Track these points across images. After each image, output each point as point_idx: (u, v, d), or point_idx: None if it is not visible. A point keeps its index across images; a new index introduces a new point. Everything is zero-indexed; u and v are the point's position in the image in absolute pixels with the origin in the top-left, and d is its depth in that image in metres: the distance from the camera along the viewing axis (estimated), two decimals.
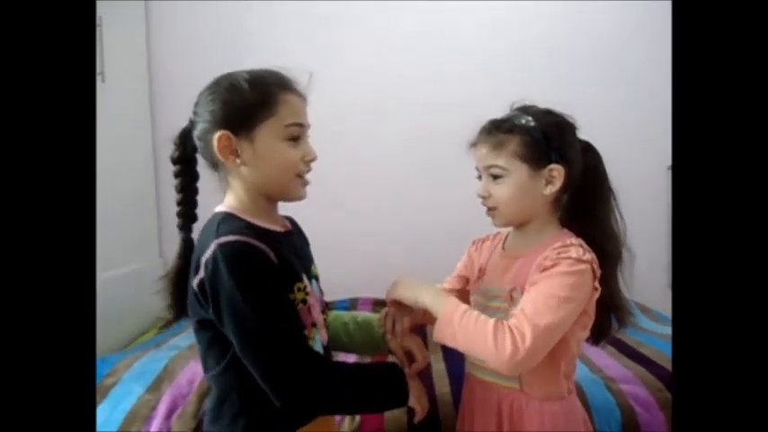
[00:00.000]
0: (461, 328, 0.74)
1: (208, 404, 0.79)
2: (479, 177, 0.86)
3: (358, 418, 1.16)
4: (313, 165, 0.79)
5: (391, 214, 2.15)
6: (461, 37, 2.16)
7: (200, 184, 0.82)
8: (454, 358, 1.41)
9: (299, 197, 0.79)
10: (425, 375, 1.30)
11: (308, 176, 0.79)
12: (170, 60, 2.08)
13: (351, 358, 1.12)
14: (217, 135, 0.72)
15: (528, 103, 0.86)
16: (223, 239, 0.68)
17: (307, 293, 0.76)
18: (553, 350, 0.79)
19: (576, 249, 0.77)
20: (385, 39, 2.16)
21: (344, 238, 1.98)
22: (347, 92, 2.07)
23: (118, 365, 1.37)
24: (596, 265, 0.78)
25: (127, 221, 1.90)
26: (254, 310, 0.67)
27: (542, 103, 0.86)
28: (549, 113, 0.84)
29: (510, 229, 0.91)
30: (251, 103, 0.73)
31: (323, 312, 0.83)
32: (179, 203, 0.80)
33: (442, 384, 1.27)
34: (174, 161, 0.80)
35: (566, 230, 0.85)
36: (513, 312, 0.75)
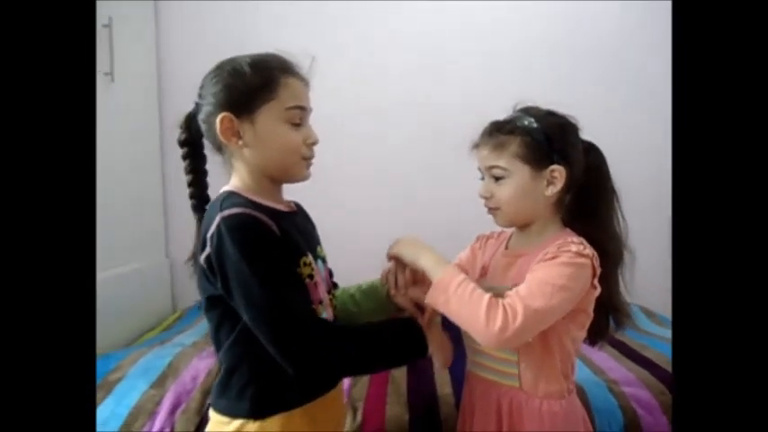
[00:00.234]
0: (456, 295, 0.74)
1: (216, 379, 0.79)
2: (482, 178, 0.87)
3: (359, 417, 1.17)
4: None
5: (392, 213, 2.15)
6: (462, 37, 2.17)
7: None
8: (456, 359, 1.41)
9: (303, 178, 0.80)
10: (427, 376, 1.31)
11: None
12: (179, 61, 2.10)
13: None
14: (219, 117, 0.74)
15: (530, 104, 0.86)
16: (226, 212, 0.69)
17: (313, 269, 0.77)
18: (549, 347, 0.80)
19: (576, 245, 0.77)
20: (387, 38, 2.17)
21: (345, 237, 1.98)
22: (349, 91, 2.08)
23: (123, 361, 1.39)
24: (597, 263, 0.78)
25: (133, 220, 1.92)
26: (260, 278, 0.67)
27: (544, 103, 0.86)
28: (550, 115, 0.85)
29: (514, 228, 0.91)
30: (252, 85, 0.74)
31: (329, 293, 0.83)
32: (189, 185, 0.82)
33: (444, 384, 1.27)
34: (181, 144, 0.81)
35: (568, 230, 0.85)
36: (508, 293, 0.75)
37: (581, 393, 1.12)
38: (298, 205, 0.88)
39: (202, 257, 0.71)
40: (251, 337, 0.70)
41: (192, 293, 0.84)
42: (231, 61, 0.77)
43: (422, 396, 1.23)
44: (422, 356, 0.77)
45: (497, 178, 0.83)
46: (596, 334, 0.88)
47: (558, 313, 0.75)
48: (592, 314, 0.82)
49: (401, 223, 2.13)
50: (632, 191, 0.89)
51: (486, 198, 0.85)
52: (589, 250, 0.77)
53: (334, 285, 0.92)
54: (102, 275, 1.62)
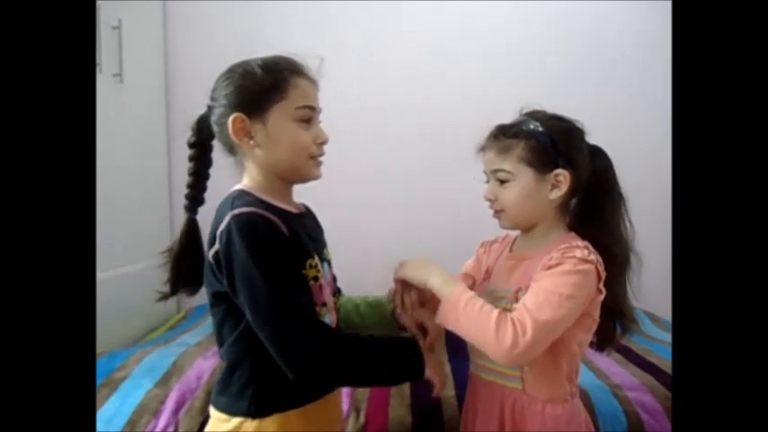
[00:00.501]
0: (465, 313, 0.74)
1: (217, 376, 0.81)
2: (487, 181, 0.87)
3: (362, 418, 1.17)
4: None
5: (394, 212, 2.16)
6: (464, 37, 2.18)
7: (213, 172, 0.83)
8: (459, 361, 1.41)
9: (314, 177, 0.81)
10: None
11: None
12: (187, 62, 2.12)
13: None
14: (231, 117, 0.75)
15: (536, 108, 0.87)
16: (237, 211, 0.70)
17: (318, 271, 0.77)
18: (555, 351, 0.79)
19: (581, 250, 0.77)
20: (390, 38, 2.18)
21: (350, 235, 1.99)
22: (351, 90, 2.09)
23: (128, 360, 1.40)
24: (601, 267, 0.78)
25: (139, 220, 1.93)
26: (266, 278, 0.68)
27: (546, 104, 0.86)
28: (556, 119, 0.85)
29: (518, 232, 0.91)
30: (263, 86, 0.75)
31: (333, 296, 0.84)
32: (189, 186, 0.84)
33: (447, 387, 1.27)
34: (191, 145, 0.83)
35: (572, 234, 0.85)
36: (515, 306, 0.75)
37: (585, 397, 1.12)
38: (307, 207, 0.89)
39: (211, 253, 0.72)
40: (254, 336, 0.71)
41: (196, 294, 0.85)
42: (243, 64, 0.78)
43: (425, 398, 1.23)
44: (417, 379, 0.78)
45: (502, 181, 0.83)
46: (604, 339, 0.88)
47: (566, 323, 0.75)
48: (597, 318, 0.82)
49: (403, 222, 2.15)
50: (636, 195, 0.89)
51: (490, 201, 0.86)
52: (593, 256, 0.77)
53: (338, 291, 0.93)
54: (107, 275, 1.64)
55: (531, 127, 0.82)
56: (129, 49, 1.79)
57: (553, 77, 2.12)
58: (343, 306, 0.92)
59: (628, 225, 0.86)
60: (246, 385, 0.75)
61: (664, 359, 1.45)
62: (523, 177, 0.82)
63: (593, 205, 0.86)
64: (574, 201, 0.87)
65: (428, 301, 0.86)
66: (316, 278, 0.76)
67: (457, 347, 1.56)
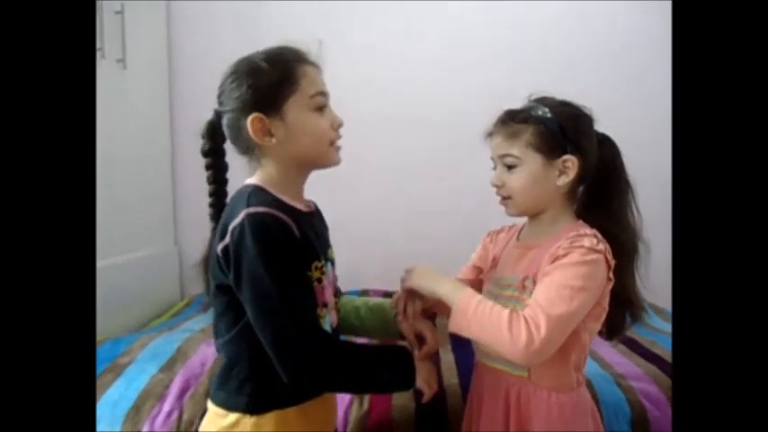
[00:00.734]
0: (476, 317, 0.74)
1: (216, 371, 0.81)
2: (494, 168, 0.86)
3: (366, 405, 1.17)
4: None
5: (402, 205, 2.15)
6: (468, 30, 2.16)
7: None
8: (463, 349, 1.41)
9: (335, 163, 0.81)
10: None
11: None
12: (190, 48, 2.10)
13: (361, 342, 1.12)
14: (250, 119, 0.74)
15: (546, 94, 0.86)
16: (252, 209, 0.70)
17: (323, 273, 0.77)
18: (564, 341, 0.78)
19: (589, 239, 0.76)
20: (395, 32, 2.16)
21: (354, 228, 1.99)
22: (358, 84, 2.08)
23: (132, 345, 1.40)
24: (610, 255, 0.77)
25: (143, 208, 1.93)
26: (273, 280, 0.68)
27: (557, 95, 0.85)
28: (565, 105, 0.84)
29: (525, 221, 0.91)
30: (275, 81, 0.74)
31: (335, 296, 0.84)
32: (210, 194, 0.83)
33: (451, 375, 1.27)
34: (205, 153, 0.82)
35: (580, 222, 0.84)
36: (527, 302, 0.75)
37: (589, 387, 1.11)
38: (315, 206, 0.88)
39: (220, 246, 0.72)
40: (253, 332, 0.71)
41: (200, 281, 0.85)
42: (246, 61, 0.76)
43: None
44: (408, 389, 0.79)
45: (510, 167, 0.83)
46: (613, 329, 0.88)
47: (580, 315, 0.75)
48: (607, 307, 0.81)
49: (412, 214, 2.14)
50: (637, 188, 0.88)
51: (497, 187, 0.85)
52: (602, 244, 0.77)
53: (338, 291, 0.92)
54: (111, 262, 1.64)
55: (540, 113, 0.81)
56: (132, 34, 1.77)
57: (556, 70, 2.10)
58: (344, 307, 0.91)
59: (635, 213, 0.85)
60: (245, 381, 0.75)
61: (667, 350, 1.44)
62: (531, 163, 0.81)
63: (601, 193, 0.85)
64: (581, 188, 0.87)
65: (434, 306, 0.87)
66: (319, 279, 0.76)
67: (460, 337, 1.56)
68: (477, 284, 0.93)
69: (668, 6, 0.73)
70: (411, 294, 0.86)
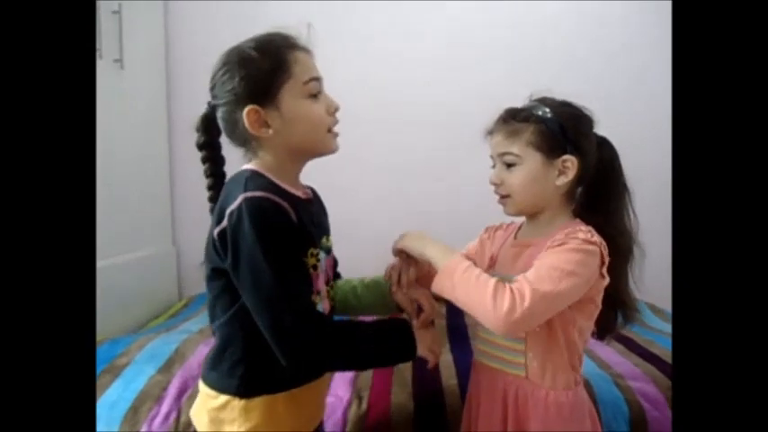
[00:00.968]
0: (462, 280, 0.74)
1: (209, 352, 0.81)
2: (493, 166, 0.86)
3: (364, 405, 1.17)
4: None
5: (400, 204, 2.15)
6: (466, 30, 2.16)
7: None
8: (462, 350, 1.42)
9: (333, 150, 0.80)
10: (434, 370, 1.30)
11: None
12: (188, 48, 2.10)
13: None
14: (245, 112, 0.73)
15: (548, 94, 0.86)
16: (250, 194, 0.69)
17: (318, 260, 0.77)
18: (555, 337, 0.79)
19: (584, 233, 0.77)
20: (393, 31, 2.16)
21: (353, 227, 1.99)
22: (358, 81, 2.08)
23: (131, 346, 1.40)
24: (605, 251, 0.77)
25: (141, 208, 1.92)
26: (270, 265, 0.68)
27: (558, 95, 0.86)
28: (566, 105, 0.84)
29: (523, 219, 0.91)
30: (267, 70, 0.73)
31: (327, 284, 0.84)
32: (209, 188, 0.83)
33: (450, 375, 1.27)
34: (200, 147, 0.81)
35: (577, 220, 0.84)
36: (515, 279, 0.75)
37: (587, 386, 1.12)
38: (314, 191, 0.88)
39: (217, 230, 0.71)
40: (248, 316, 0.71)
41: (198, 281, 0.84)
42: (235, 51, 0.75)
43: (426, 386, 1.23)
44: (410, 359, 0.78)
45: (509, 165, 0.83)
46: (604, 328, 0.88)
47: (566, 299, 0.74)
48: (600, 305, 0.81)
49: (403, 213, 2.14)
50: (637, 187, 0.88)
51: (496, 185, 0.85)
52: (597, 238, 0.77)
53: (338, 275, 0.92)
54: (109, 262, 1.64)
55: (541, 112, 0.82)
56: (129, 34, 1.77)
57: (554, 70, 2.10)
58: (341, 289, 0.91)
59: (632, 217, 0.86)
60: (237, 364, 0.75)
61: (665, 350, 1.45)
62: (531, 162, 0.81)
63: (598, 196, 0.85)
64: (580, 189, 0.87)
65: (426, 276, 0.86)
66: (315, 267, 0.76)
67: (459, 335, 1.57)
68: None
69: (667, 6, 0.74)
70: (404, 263, 0.86)
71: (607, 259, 0.77)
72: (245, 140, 0.77)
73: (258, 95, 0.73)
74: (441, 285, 0.76)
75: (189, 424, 1.12)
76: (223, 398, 0.75)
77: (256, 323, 0.70)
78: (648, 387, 1.23)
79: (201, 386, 0.80)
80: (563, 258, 0.74)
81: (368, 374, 1.28)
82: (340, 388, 1.22)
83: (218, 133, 0.80)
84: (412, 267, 0.86)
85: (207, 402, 0.78)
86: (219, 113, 0.77)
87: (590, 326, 0.84)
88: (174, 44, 2.13)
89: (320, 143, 0.78)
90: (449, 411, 1.16)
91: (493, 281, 0.72)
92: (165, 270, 2.10)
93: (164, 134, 2.12)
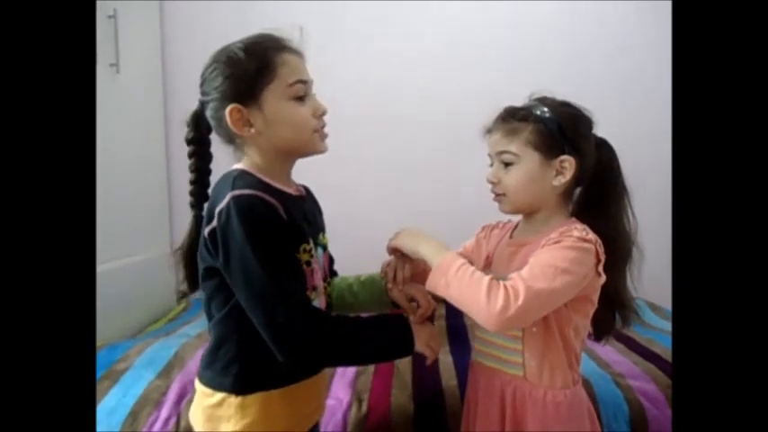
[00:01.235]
0: (456, 278, 0.74)
1: (204, 350, 0.81)
2: (491, 164, 0.86)
3: (365, 407, 1.17)
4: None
5: (400, 203, 2.15)
6: (465, 29, 2.16)
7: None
8: (461, 351, 1.42)
9: (320, 151, 0.80)
10: (431, 369, 1.30)
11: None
12: (184, 52, 2.10)
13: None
14: (228, 110, 0.74)
15: (547, 94, 0.86)
16: (238, 192, 0.69)
17: (311, 256, 0.77)
18: (552, 336, 0.79)
19: (579, 231, 0.77)
20: (393, 29, 2.16)
21: (352, 227, 1.98)
22: (356, 80, 2.08)
23: (129, 351, 1.40)
24: (601, 249, 0.77)
25: (138, 212, 1.92)
26: (261, 262, 0.68)
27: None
28: (565, 105, 0.84)
29: (519, 219, 0.91)
30: (251, 70, 0.74)
31: (324, 281, 0.84)
32: (192, 182, 0.83)
33: (449, 377, 1.27)
34: (189, 142, 0.82)
35: (573, 219, 0.84)
36: (510, 277, 0.75)
37: (586, 386, 1.12)
38: (307, 189, 0.88)
39: (207, 230, 0.72)
40: (242, 314, 0.71)
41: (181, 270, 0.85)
42: (224, 50, 0.76)
43: (426, 387, 1.23)
44: (407, 354, 0.78)
45: (506, 164, 0.83)
46: (602, 330, 0.88)
47: (560, 296, 0.74)
48: (596, 303, 0.82)
49: (402, 212, 2.14)
50: (637, 185, 0.88)
51: (493, 183, 0.85)
52: (592, 236, 0.77)
53: (334, 273, 0.92)
54: (107, 267, 1.63)
55: (540, 112, 0.82)
56: (125, 38, 1.77)
57: (553, 69, 2.11)
58: (337, 286, 0.91)
59: (631, 218, 0.86)
60: (232, 362, 0.75)
61: (665, 348, 1.45)
62: (529, 161, 0.81)
63: (597, 197, 0.85)
64: (577, 190, 0.87)
65: (421, 273, 0.86)
66: (308, 263, 0.76)
67: (459, 337, 1.56)
68: None
69: (666, 6, 0.74)
70: (399, 260, 0.86)
71: (603, 257, 0.77)
72: (231, 138, 0.78)
73: (241, 95, 0.74)
74: (435, 283, 0.76)
75: (189, 429, 1.11)
76: (219, 395, 0.75)
77: (250, 321, 0.70)
78: (648, 386, 1.23)
79: (197, 385, 0.80)
80: (558, 256, 0.74)
81: (368, 376, 1.28)
82: (340, 390, 1.22)
83: (209, 130, 0.81)
84: (407, 264, 0.86)
85: (203, 401, 0.78)
86: (208, 110, 0.78)
87: (587, 324, 0.84)
88: (169, 48, 2.13)
89: (305, 144, 0.78)
90: (449, 413, 1.16)
91: (487, 278, 0.72)
92: (163, 274, 2.08)
93: (160, 138, 2.11)
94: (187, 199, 0.84)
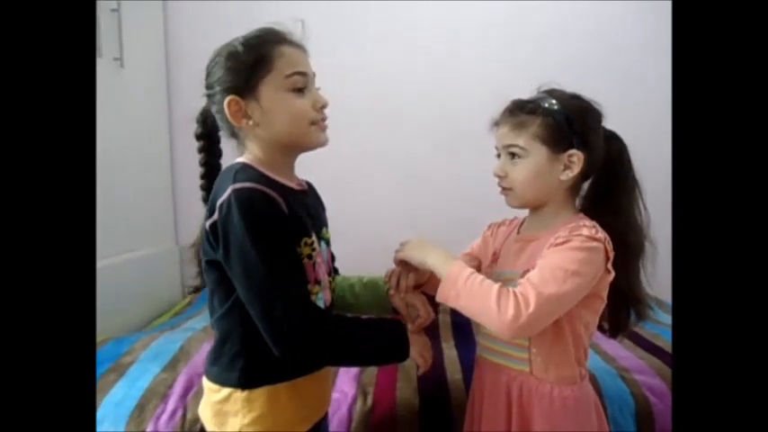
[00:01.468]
0: (465, 288, 0.74)
1: (210, 347, 0.81)
2: (498, 155, 0.85)
3: (370, 401, 1.17)
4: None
5: (401, 201, 2.15)
6: (466, 24, 2.15)
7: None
8: (466, 345, 1.42)
9: (320, 144, 0.79)
10: (436, 362, 1.31)
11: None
12: (188, 47, 2.09)
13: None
14: (226, 102, 0.74)
15: (555, 86, 0.85)
16: (239, 185, 0.69)
17: (313, 250, 0.77)
18: (562, 332, 0.79)
19: (588, 229, 0.76)
20: (396, 26, 2.15)
21: (353, 224, 1.99)
22: (358, 79, 2.07)
23: (135, 345, 1.40)
24: (610, 246, 0.77)
25: (143, 207, 1.92)
26: (260, 255, 0.68)
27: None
28: (574, 98, 0.83)
29: (526, 215, 0.90)
30: (248, 62, 0.74)
31: (329, 275, 0.84)
32: (202, 177, 0.84)
33: (454, 371, 1.28)
34: (198, 137, 0.83)
35: (581, 215, 0.84)
36: (519, 281, 0.74)
37: (592, 380, 1.11)
38: (309, 184, 0.88)
39: (208, 223, 0.72)
40: (245, 308, 0.71)
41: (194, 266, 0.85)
42: (225, 46, 0.77)
43: (432, 381, 1.23)
44: (401, 360, 0.78)
45: (514, 157, 0.82)
46: (616, 327, 0.87)
47: (571, 299, 0.74)
48: (605, 299, 0.81)
49: (404, 207, 2.14)
50: (642, 181, 0.87)
51: (500, 177, 0.84)
52: (601, 234, 0.76)
53: (335, 271, 0.92)
54: (112, 261, 1.64)
55: (548, 104, 0.81)
56: (128, 32, 1.76)
57: (554, 68, 2.06)
58: (339, 285, 0.92)
59: (642, 212, 0.85)
60: (237, 357, 0.76)
61: (670, 343, 1.45)
62: (536, 155, 0.80)
63: (608, 191, 0.84)
64: (585, 184, 0.86)
65: (427, 282, 0.87)
66: (310, 256, 0.76)
67: (464, 331, 1.56)
68: None
69: (666, 6, 0.73)
70: (404, 268, 0.86)
71: (612, 254, 0.77)
72: (233, 132, 0.79)
73: (239, 87, 0.74)
74: (445, 295, 0.76)
75: (195, 421, 1.12)
76: (225, 391, 0.76)
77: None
78: (654, 380, 1.23)
79: (204, 381, 0.80)
80: (567, 258, 0.73)
81: (373, 370, 1.28)
82: (345, 384, 1.22)
83: (217, 126, 0.82)
84: (411, 273, 0.86)
85: (210, 397, 0.78)
86: (213, 106, 0.79)
87: (596, 320, 0.83)
88: (173, 42, 2.13)
89: (303, 136, 0.77)
90: (454, 406, 1.16)
91: (496, 286, 0.72)
92: (169, 268, 2.10)
93: (164, 132, 2.11)
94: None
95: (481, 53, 2.14)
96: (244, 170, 0.73)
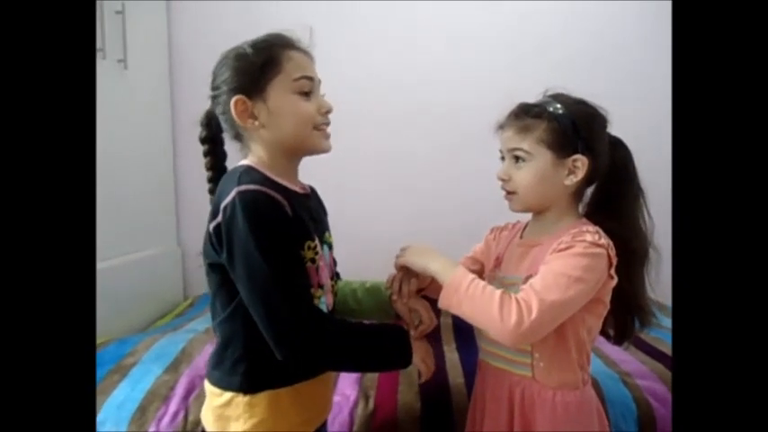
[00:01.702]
0: (468, 295, 0.74)
1: (212, 351, 0.81)
2: (502, 158, 0.85)
3: (371, 405, 1.17)
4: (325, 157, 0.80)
5: (402, 201, 2.15)
6: (466, 27, 2.15)
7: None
8: (468, 349, 1.41)
9: (323, 149, 0.80)
10: (438, 366, 1.30)
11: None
12: (191, 48, 2.10)
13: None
14: (233, 101, 0.75)
15: (561, 91, 0.85)
16: (243, 187, 0.70)
17: (316, 253, 0.77)
18: (564, 337, 0.79)
19: (591, 235, 0.76)
20: (396, 28, 2.15)
21: (354, 224, 1.99)
22: (362, 83, 2.07)
23: (137, 346, 1.40)
24: (613, 252, 0.77)
25: (145, 208, 1.93)
26: (264, 257, 0.68)
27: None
28: (580, 103, 0.83)
29: (528, 218, 0.90)
30: (257, 64, 0.75)
31: (331, 279, 0.84)
32: (209, 181, 0.84)
33: (456, 375, 1.27)
34: (202, 141, 0.83)
35: (584, 219, 0.84)
36: (522, 287, 0.74)
37: (594, 385, 1.11)
38: (312, 189, 0.89)
39: (212, 225, 0.72)
40: (247, 312, 0.71)
41: (203, 281, 0.85)
42: (234, 48, 0.78)
43: (433, 385, 1.23)
44: (404, 367, 0.78)
45: (518, 161, 0.82)
46: (622, 334, 0.87)
47: (574, 305, 0.74)
48: (608, 304, 0.81)
49: (405, 210, 2.14)
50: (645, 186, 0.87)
51: (504, 180, 0.84)
52: (604, 240, 0.76)
53: (337, 275, 0.92)
54: (114, 263, 1.64)
55: (554, 109, 0.81)
56: (132, 34, 1.77)
57: (554, 64, 2.08)
58: (341, 290, 0.92)
59: (647, 219, 0.84)
60: (239, 361, 0.76)
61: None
62: (541, 159, 0.80)
63: (612, 197, 0.84)
64: (589, 189, 0.86)
65: (428, 288, 0.87)
66: (313, 260, 0.76)
67: (466, 334, 1.56)
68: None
69: (666, 5, 0.73)
70: (406, 274, 0.86)
71: (615, 260, 0.77)
72: (237, 134, 0.79)
73: (247, 87, 0.75)
74: (447, 301, 0.76)
75: (197, 423, 1.12)
76: (227, 395, 0.76)
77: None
78: (656, 385, 1.23)
79: (206, 385, 0.80)
80: (570, 264, 0.73)
81: (374, 373, 1.28)
82: (347, 387, 1.22)
83: (221, 129, 0.82)
84: (413, 279, 0.86)
85: (212, 401, 0.78)
86: (218, 108, 0.79)
87: (599, 325, 0.83)
88: (177, 44, 2.13)
89: (307, 140, 0.78)
90: (456, 410, 1.16)
91: (498, 293, 0.72)
92: (171, 270, 2.11)
93: (167, 134, 2.12)
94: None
95: (481, 54, 2.14)
96: (248, 172, 0.74)
